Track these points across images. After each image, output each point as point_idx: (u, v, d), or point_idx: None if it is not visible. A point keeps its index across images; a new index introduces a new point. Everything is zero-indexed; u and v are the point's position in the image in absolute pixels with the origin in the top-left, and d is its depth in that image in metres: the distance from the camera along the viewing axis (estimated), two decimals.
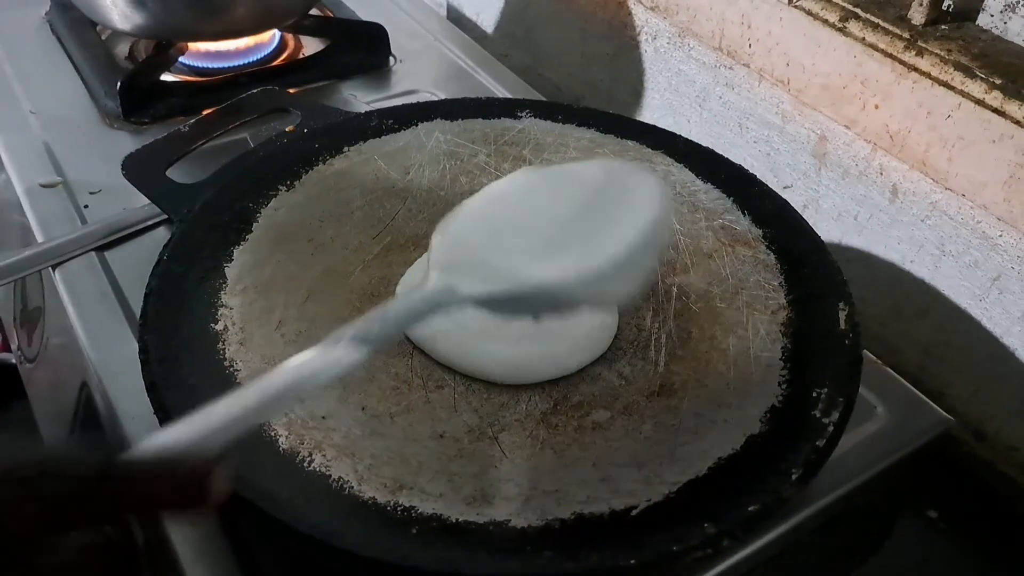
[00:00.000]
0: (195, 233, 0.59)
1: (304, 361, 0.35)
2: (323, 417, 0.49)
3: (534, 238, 0.39)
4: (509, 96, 0.87)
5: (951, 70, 0.61)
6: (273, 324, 0.55)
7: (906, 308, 0.69)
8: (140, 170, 0.66)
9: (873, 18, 0.66)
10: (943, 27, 0.64)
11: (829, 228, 0.73)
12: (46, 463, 0.30)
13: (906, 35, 0.64)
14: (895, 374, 0.60)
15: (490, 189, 0.43)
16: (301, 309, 0.57)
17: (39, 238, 0.68)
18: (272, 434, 0.48)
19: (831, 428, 0.45)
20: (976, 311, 0.64)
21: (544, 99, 0.89)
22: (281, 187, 0.63)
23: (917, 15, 0.64)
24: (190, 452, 0.32)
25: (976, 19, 0.65)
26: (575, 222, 0.40)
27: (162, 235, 0.67)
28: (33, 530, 0.29)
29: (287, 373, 0.34)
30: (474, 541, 0.43)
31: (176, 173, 0.67)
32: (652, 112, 0.90)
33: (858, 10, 0.67)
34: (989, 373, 0.64)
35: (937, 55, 0.62)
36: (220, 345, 0.53)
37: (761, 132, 0.78)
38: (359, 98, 0.84)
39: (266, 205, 0.62)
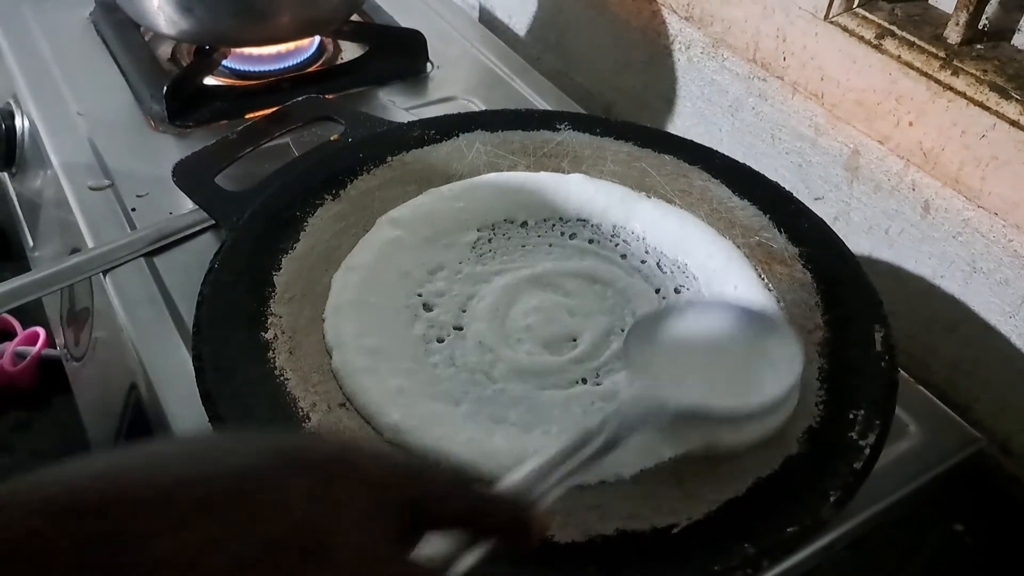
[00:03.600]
0: (244, 242, 0.60)
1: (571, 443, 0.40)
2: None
3: (715, 370, 0.47)
4: (543, 102, 0.89)
5: (986, 90, 0.62)
6: (321, 333, 0.57)
7: (935, 323, 0.70)
8: (190, 177, 0.68)
9: (909, 36, 0.67)
10: (979, 47, 0.65)
11: (859, 241, 0.74)
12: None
13: (942, 54, 0.65)
14: (927, 392, 0.61)
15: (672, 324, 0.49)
16: None
17: (88, 240, 0.70)
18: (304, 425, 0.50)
19: (868, 451, 0.47)
20: (1006, 328, 0.65)
21: (576, 104, 0.91)
22: (327, 196, 0.64)
23: (953, 34, 0.65)
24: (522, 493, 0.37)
25: (1012, 39, 0.65)
26: (743, 363, 0.48)
27: (208, 240, 0.69)
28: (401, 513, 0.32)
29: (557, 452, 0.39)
30: (518, 556, 0.44)
31: (222, 179, 0.69)
32: (684, 120, 0.91)
33: (894, 28, 0.68)
34: (1017, 390, 0.65)
35: (972, 75, 0.63)
36: (270, 354, 0.54)
37: (793, 144, 0.79)
38: (397, 104, 0.86)
39: (312, 214, 0.63)
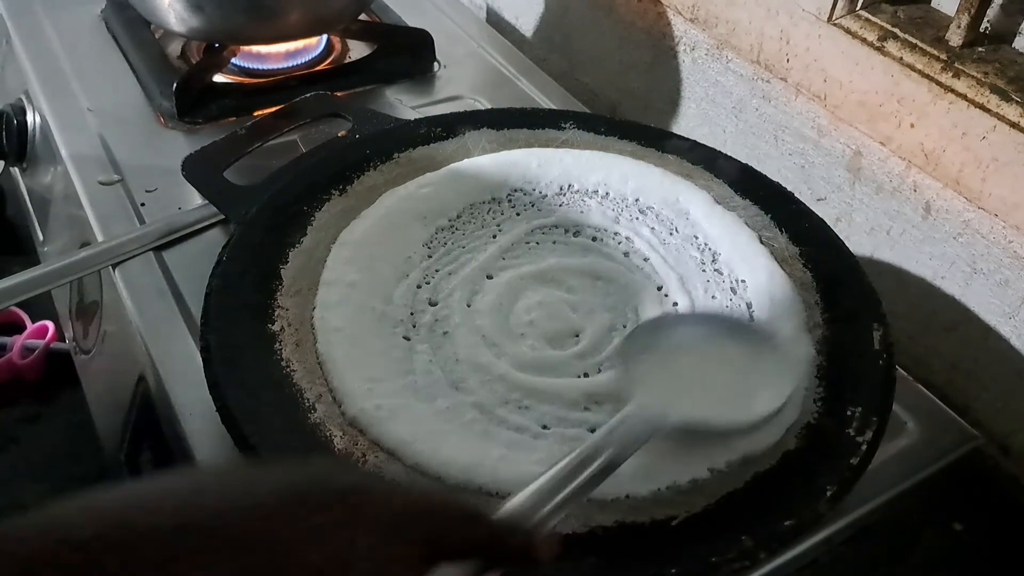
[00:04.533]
0: (252, 235, 0.61)
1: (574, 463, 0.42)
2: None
3: (712, 386, 0.50)
4: (549, 102, 0.89)
5: (987, 92, 0.63)
6: None
7: (935, 322, 0.71)
8: (199, 171, 0.68)
9: (911, 39, 0.67)
10: (980, 49, 0.66)
11: (861, 241, 0.75)
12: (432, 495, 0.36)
13: (943, 56, 0.65)
14: (925, 390, 0.62)
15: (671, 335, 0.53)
16: None
17: (98, 235, 0.71)
18: (328, 435, 0.50)
19: (864, 447, 0.48)
20: (1006, 329, 0.66)
21: (581, 104, 0.91)
22: (334, 191, 0.65)
23: (955, 37, 0.66)
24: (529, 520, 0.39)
25: (1013, 42, 0.66)
26: (739, 375, 0.51)
27: (217, 235, 0.70)
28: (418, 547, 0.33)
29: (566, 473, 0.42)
30: None
31: (231, 174, 0.70)
32: (688, 121, 0.91)
33: (896, 30, 0.68)
34: (1016, 389, 0.66)
35: (973, 77, 0.63)
36: (277, 345, 0.55)
37: (796, 145, 0.79)
38: (404, 103, 0.86)
39: (320, 209, 0.64)
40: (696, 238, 0.64)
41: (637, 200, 0.66)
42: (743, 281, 0.60)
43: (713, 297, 0.60)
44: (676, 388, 0.48)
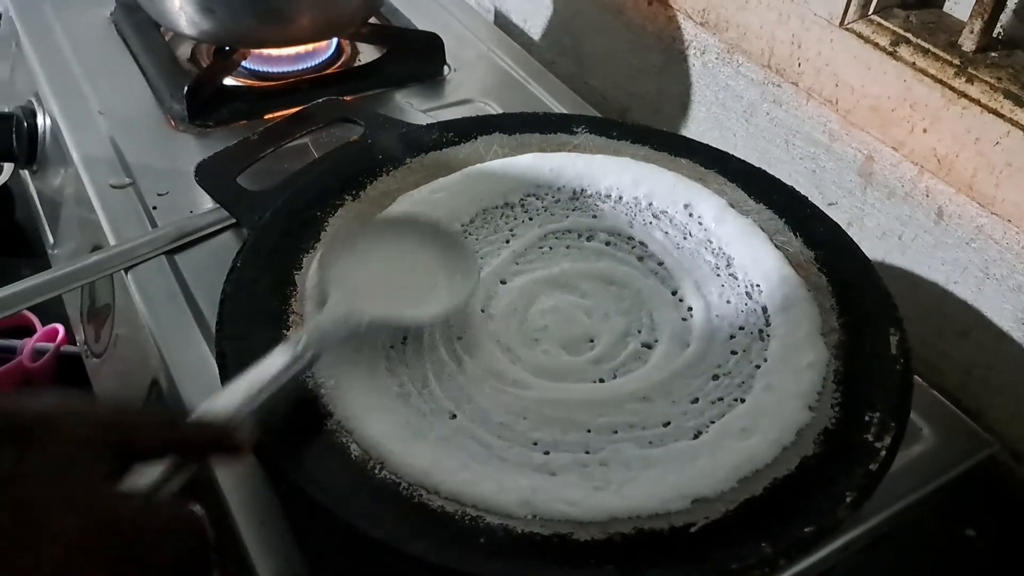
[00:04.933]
0: (266, 241, 0.61)
1: (272, 363, 0.48)
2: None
3: (403, 288, 0.57)
4: (558, 106, 0.89)
5: (1000, 98, 0.62)
6: None
7: (948, 328, 0.70)
8: (211, 177, 0.68)
9: (924, 43, 0.67)
10: (993, 55, 0.66)
11: (873, 246, 0.75)
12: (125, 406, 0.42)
13: (956, 61, 0.65)
14: (941, 396, 0.62)
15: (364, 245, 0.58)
16: None
17: (109, 238, 0.71)
18: (344, 441, 0.50)
19: (883, 453, 0.47)
20: (1019, 334, 0.66)
21: (590, 107, 0.91)
22: (347, 197, 0.65)
23: (968, 42, 0.66)
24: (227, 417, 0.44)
25: None
26: (428, 275, 0.58)
27: (228, 239, 0.70)
28: (108, 448, 0.37)
29: (263, 372, 0.47)
30: (539, 553, 0.45)
31: (243, 179, 0.70)
32: (698, 125, 0.91)
33: (909, 35, 0.68)
34: None
35: (987, 82, 0.63)
36: None
37: (807, 149, 0.79)
38: (415, 106, 0.86)
39: (333, 214, 0.64)
40: (710, 242, 0.64)
41: (651, 204, 0.66)
42: (758, 285, 0.60)
43: (728, 301, 0.60)
44: (370, 290, 0.55)
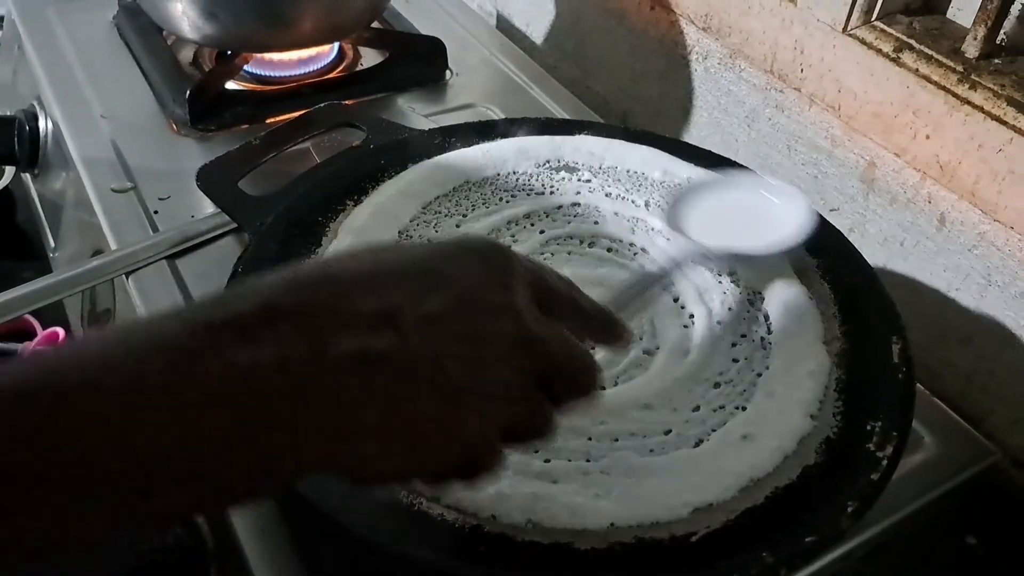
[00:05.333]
0: (268, 246, 0.61)
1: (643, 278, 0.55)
2: None
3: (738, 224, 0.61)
4: (560, 110, 0.89)
5: (1004, 105, 0.62)
6: None
7: (950, 335, 0.70)
8: (213, 181, 0.68)
9: (927, 50, 0.67)
10: (996, 61, 0.66)
11: (874, 253, 0.75)
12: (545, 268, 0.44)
13: (959, 68, 0.65)
14: (942, 404, 0.62)
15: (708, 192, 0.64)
16: None
17: (111, 241, 0.71)
18: None
19: (885, 462, 0.47)
20: (1021, 341, 0.65)
21: (592, 112, 0.91)
22: (349, 202, 0.65)
23: (971, 48, 0.66)
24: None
25: None
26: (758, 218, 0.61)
27: (230, 243, 0.70)
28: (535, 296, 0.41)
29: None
30: (539, 562, 0.45)
31: (245, 184, 0.70)
32: (700, 130, 0.91)
33: (912, 41, 0.68)
34: None
35: (990, 89, 0.63)
36: None
37: (809, 155, 0.79)
38: (417, 111, 0.86)
39: (335, 219, 0.64)
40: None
41: (647, 204, 0.67)
42: (759, 293, 0.60)
43: (729, 309, 0.60)
44: (710, 229, 0.59)
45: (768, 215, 0.60)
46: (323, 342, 0.33)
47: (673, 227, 0.60)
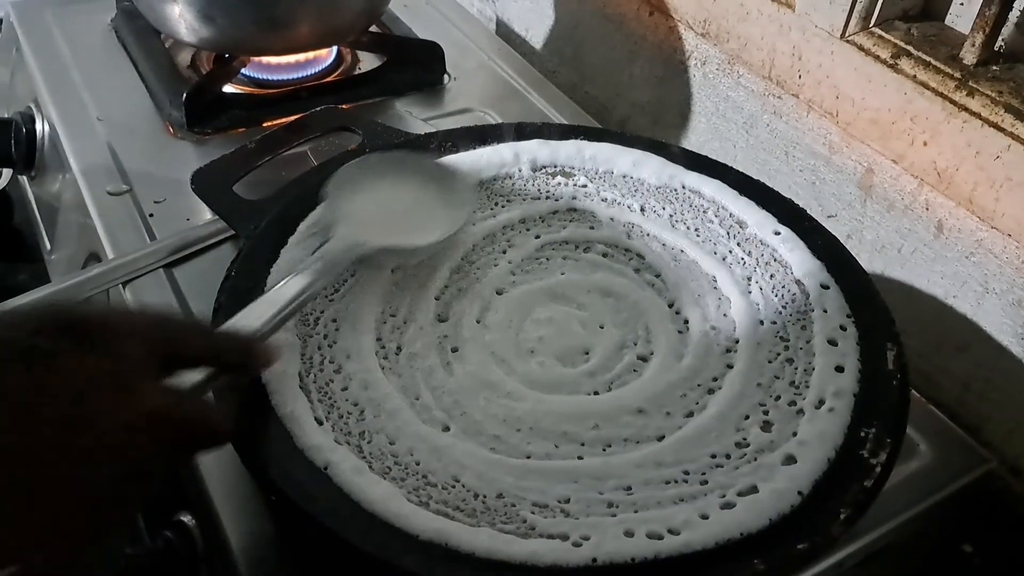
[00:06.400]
0: (261, 250, 0.61)
1: (288, 288, 0.52)
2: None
3: (403, 220, 0.62)
4: (558, 115, 0.89)
5: (1001, 111, 0.62)
6: None
7: (947, 342, 0.70)
8: (208, 185, 0.68)
9: (925, 56, 0.67)
10: (994, 68, 0.65)
11: (872, 259, 0.75)
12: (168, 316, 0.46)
13: (957, 75, 0.65)
14: (938, 411, 0.61)
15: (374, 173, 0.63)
16: None
17: (106, 245, 0.71)
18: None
19: (879, 469, 0.47)
20: (1018, 349, 0.65)
21: (591, 118, 0.91)
22: None
23: (969, 55, 0.66)
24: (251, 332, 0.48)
25: None
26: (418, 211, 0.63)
27: (228, 251, 0.70)
28: (156, 353, 0.40)
29: (279, 296, 0.51)
30: (529, 571, 0.45)
31: (240, 188, 0.69)
32: (698, 136, 0.91)
33: (910, 48, 0.68)
34: None
35: (988, 96, 0.63)
36: None
37: (807, 161, 0.79)
38: (414, 115, 0.86)
39: None
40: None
41: (642, 209, 0.66)
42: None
43: (724, 315, 0.60)
44: (373, 222, 0.59)
45: (432, 207, 0.62)
46: None
47: (335, 212, 0.59)
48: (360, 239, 0.57)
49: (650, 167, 0.68)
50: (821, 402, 0.52)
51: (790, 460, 0.49)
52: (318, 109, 0.76)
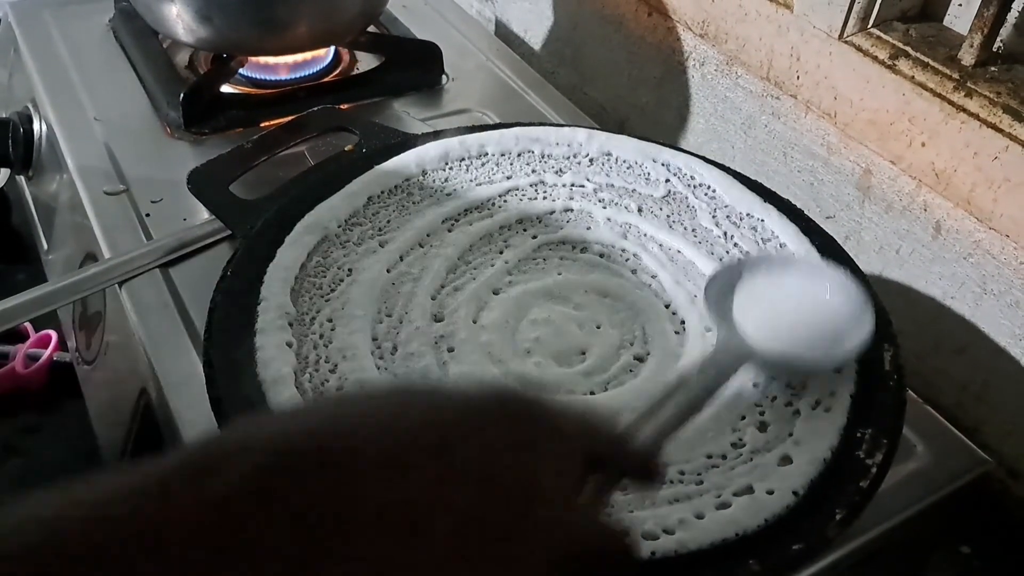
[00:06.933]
0: (257, 250, 0.60)
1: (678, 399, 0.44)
2: None
3: (794, 321, 0.53)
4: (557, 116, 0.89)
5: (1000, 112, 0.62)
6: None
7: (945, 344, 0.70)
8: (204, 185, 0.68)
9: (923, 57, 0.67)
10: (993, 69, 0.65)
11: (870, 260, 0.74)
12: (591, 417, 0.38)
13: (955, 76, 0.65)
14: (935, 412, 0.61)
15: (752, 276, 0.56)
16: None
17: (103, 245, 0.71)
18: None
19: (875, 470, 0.47)
20: (1016, 351, 0.65)
21: (589, 119, 0.91)
22: None
23: (967, 56, 0.65)
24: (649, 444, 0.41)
25: None
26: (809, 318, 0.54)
27: (224, 251, 0.69)
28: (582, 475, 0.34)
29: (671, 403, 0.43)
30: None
31: (236, 188, 0.69)
32: (696, 137, 0.91)
33: (908, 49, 0.68)
34: None
35: (986, 97, 0.63)
36: None
37: (805, 162, 0.79)
38: (412, 115, 0.86)
39: None
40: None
41: (640, 210, 0.66)
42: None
43: None
44: (760, 325, 0.51)
45: (826, 312, 0.53)
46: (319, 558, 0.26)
47: (719, 316, 0.52)
48: (753, 347, 0.49)
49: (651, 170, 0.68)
50: (817, 403, 0.52)
51: (786, 460, 0.49)
52: (315, 109, 0.76)
